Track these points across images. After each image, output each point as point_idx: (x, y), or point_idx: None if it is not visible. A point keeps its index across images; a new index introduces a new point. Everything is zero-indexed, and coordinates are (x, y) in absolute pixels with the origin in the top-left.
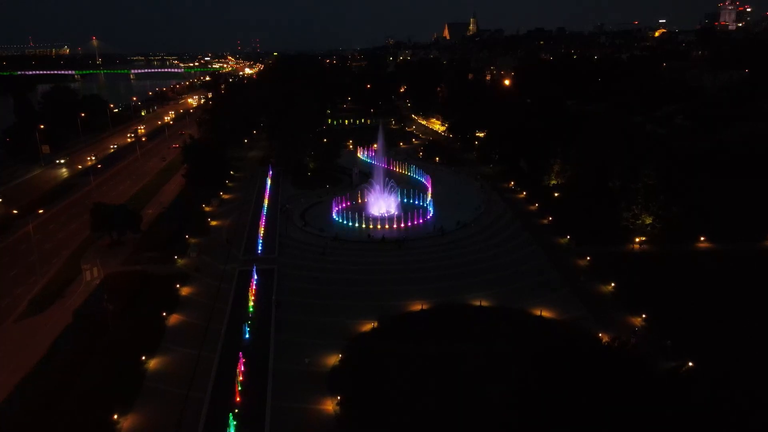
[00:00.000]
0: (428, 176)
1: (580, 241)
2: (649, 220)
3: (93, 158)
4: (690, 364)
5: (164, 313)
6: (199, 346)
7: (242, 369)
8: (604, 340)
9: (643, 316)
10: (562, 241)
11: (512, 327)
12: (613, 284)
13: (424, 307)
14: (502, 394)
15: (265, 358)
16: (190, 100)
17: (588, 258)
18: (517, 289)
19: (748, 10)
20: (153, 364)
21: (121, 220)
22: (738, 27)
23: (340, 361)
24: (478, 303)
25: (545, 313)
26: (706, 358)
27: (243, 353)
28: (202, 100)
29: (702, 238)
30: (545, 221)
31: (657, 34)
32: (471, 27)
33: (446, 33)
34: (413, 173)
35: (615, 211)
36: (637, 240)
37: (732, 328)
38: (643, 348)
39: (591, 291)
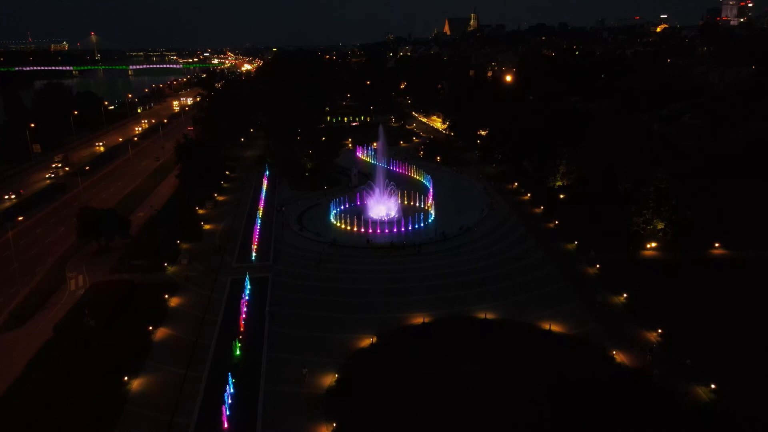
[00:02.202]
0: (429, 177)
1: (587, 247)
2: (661, 226)
3: (12, 197)
4: (713, 386)
5: (150, 327)
6: (186, 365)
7: (231, 391)
8: (618, 360)
9: (659, 330)
10: (570, 246)
11: (520, 343)
12: (625, 295)
13: (426, 320)
14: (512, 421)
15: (257, 379)
16: (174, 102)
17: (597, 266)
18: (523, 300)
19: (750, 5)
20: (136, 384)
21: (109, 226)
22: (740, 22)
23: (337, 381)
24: (482, 315)
25: (554, 327)
26: (730, 380)
27: (232, 373)
28: (189, 101)
29: (717, 245)
30: (551, 225)
31: (659, 29)
32: (471, 22)
33: (447, 28)
34: (411, 173)
35: (625, 216)
36: (649, 246)
37: (754, 343)
38: (661, 367)
39: (602, 302)
